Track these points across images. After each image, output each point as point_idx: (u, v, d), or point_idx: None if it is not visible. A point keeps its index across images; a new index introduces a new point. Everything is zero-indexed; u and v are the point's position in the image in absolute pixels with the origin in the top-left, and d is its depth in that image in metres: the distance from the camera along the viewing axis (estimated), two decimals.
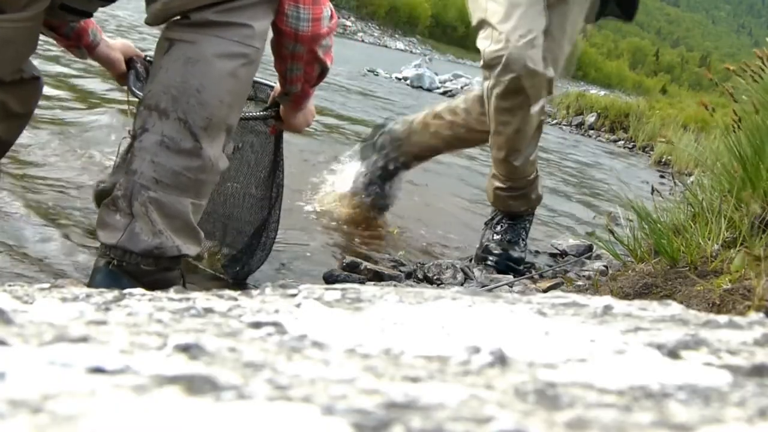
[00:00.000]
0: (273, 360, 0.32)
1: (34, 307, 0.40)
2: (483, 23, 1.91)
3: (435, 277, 1.95)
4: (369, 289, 0.48)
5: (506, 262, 2.07)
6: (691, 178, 3.08)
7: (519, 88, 1.84)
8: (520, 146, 1.99)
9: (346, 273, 1.84)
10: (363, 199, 2.44)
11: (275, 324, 0.38)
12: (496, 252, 2.09)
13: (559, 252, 2.48)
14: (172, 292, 0.47)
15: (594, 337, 0.38)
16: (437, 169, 3.97)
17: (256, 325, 0.38)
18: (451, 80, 12.69)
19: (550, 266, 2.19)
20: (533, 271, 2.07)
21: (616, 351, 0.35)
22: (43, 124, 2.57)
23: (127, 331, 0.36)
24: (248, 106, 1.69)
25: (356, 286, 0.49)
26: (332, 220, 2.32)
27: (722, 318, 0.43)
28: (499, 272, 2.04)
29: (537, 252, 2.37)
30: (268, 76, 1.67)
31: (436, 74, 12.44)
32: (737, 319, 0.43)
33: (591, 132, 9.74)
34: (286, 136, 1.67)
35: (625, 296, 1.40)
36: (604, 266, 2.03)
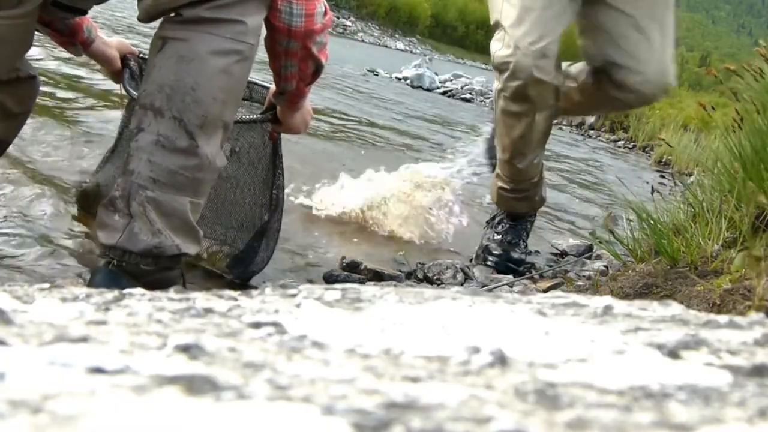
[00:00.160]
0: (273, 360, 0.32)
1: (34, 307, 0.40)
2: (497, 25, 1.89)
3: (435, 277, 1.95)
4: (369, 289, 0.48)
5: (506, 263, 2.07)
6: (691, 178, 3.08)
7: (525, 95, 1.83)
8: (525, 150, 1.98)
9: (346, 273, 1.84)
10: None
11: (275, 324, 0.38)
12: (496, 252, 2.09)
13: (559, 252, 2.47)
14: (172, 292, 0.47)
15: (594, 337, 0.38)
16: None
17: (256, 325, 0.38)
18: (451, 80, 12.69)
19: (550, 266, 2.18)
20: (533, 271, 2.07)
21: (616, 351, 0.35)
22: (52, 119, 2.57)
23: (127, 331, 0.36)
24: (243, 107, 1.69)
25: (356, 286, 0.49)
26: (332, 220, 2.32)
27: (722, 318, 0.43)
28: (498, 272, 2.04)
29: (537, 252, 2.37)
30: (265, 77, 1.67)
31: (436, 74, 12.44)
32: (737, 319, 0.43)
33: (591, 132, 9.74)
34: (297, 136, 1.67)
35: (626, 296, 1.40)
36: (604, 266, 2.03)
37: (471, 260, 2.17)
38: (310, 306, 0.43)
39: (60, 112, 2.89)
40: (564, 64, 2.02)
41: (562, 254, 2.45)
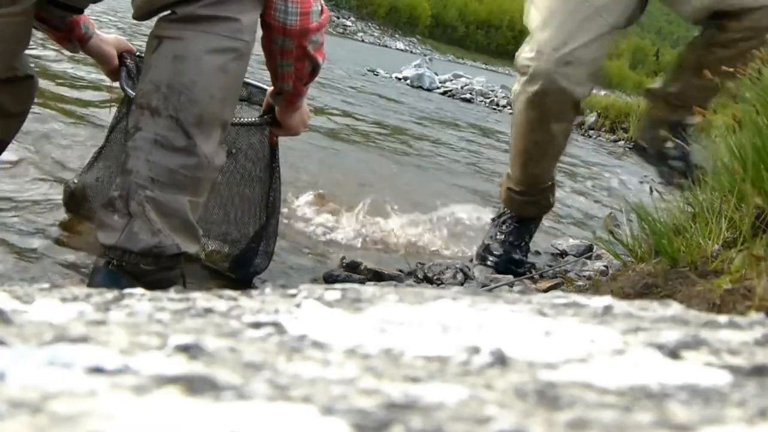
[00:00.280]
0: (273, 360, 0.32)
1: (34, 307, 0.40)
2: (528, 27, 1.84)
3: (435, 277, 1.94)
4: (369, 289, 0.48)
5: (506, 263, 2.06)
6: None
7: (542, 102, 1.78)
8: (538, 157, 1.95)
9: (346, 273, 1.84)
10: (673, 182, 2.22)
11: (275, 324, 0.38)
12: (496, 253, 2.08)
13: (559, 252, 2.48)
14: (172, 292, 0.47)
15: (594, 337, 0.38)
16: (439, 169, 3.97)
17: (256, 325, 0.38)
18: (451, 80, 12.69)
19: (550, 266, 2.18)
20: (533, 271, 2.07)
21: (616, 351, 0.35)
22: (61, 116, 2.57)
23: (127, 331, 0.36)
24: (242, 107, 1.69)
25: (356, 286, 0.49)
26: (333, 220, 2.32)
27: (723, 318, 0.43)
28: (498, 273, 2.04)
29: (537, 252, 2.37)
30: (265, 78, 1.67)
31: (436, 74, 12.44)
32: (738, 319, 0.43)
33: (591, 132, 9.74)
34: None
35: (626, 296, 1.40)
36: (604, 266, 2.03)
37: (471, 260, 2.16)
38: (310, 306, 0.43)
39: (63, 110, 2.89)
40: (657, 83, 1.89)
41: (562, 254, 2.45)
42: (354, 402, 0.26)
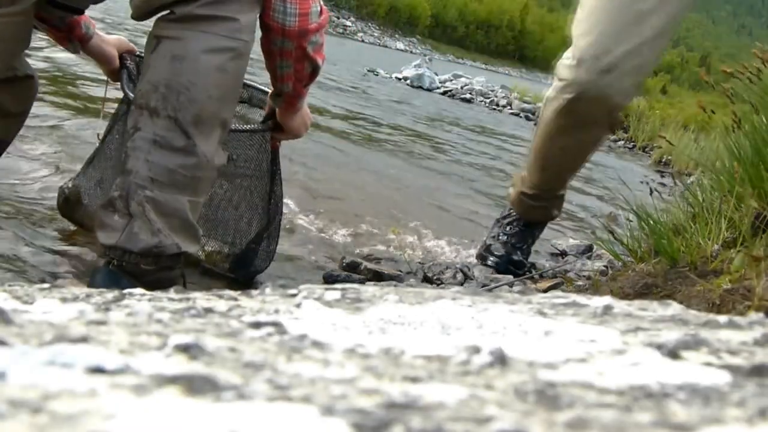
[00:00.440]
0: (273, 360, 0.32)
1: (34, 307, 0.40)
2: (571, 34, 1.77)
3: (435, 277, 1.95)
4: (369, 289, 0.48)
5: (507, 264, 2.05)
6: (691, 178, 3.08)
7: (575, 110, 1.73)
8: (561, 163, 1.92)
9: (346, 273, 1.84)
10: None
11: (275, 324, 0.38)
12: (497, 253, 2.08)
13: (559, 252, 2.48)
14: (172, 292, 0.47)
15: (594, 337, 0.38)
16: (439, 169, 3.97)
17: (256, 325, 0.38)
18: (451, 80, 12.70)
19: (550, 266, 2.19)
20: (533, 271, 2.07)
21: (616, 351, 0.35)
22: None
23: (127, 331, 0.36)
24: (242, 107, 1.69)
25: (356, 286, 0.49)
26: (332, 220, 2.32)
27: (722, 318, 0.43)
28: (498, 273, 2.04)
29: (537, 252, 2.37)
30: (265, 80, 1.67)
31: (436, 74, 12.44)
32: (737, 319, 0.43)
33: None
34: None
35: (625, 296, 1.40)
36: (604, 266, 2.03)
37: (472, 260, 2.16)
38: (310, 306, 0.43)
39: (63, 110, 2.89)
40: None
41: (562, 254, 2.46)
42: (354, 402, 0.26)
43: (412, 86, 11.24)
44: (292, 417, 0.25)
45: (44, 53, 3.89)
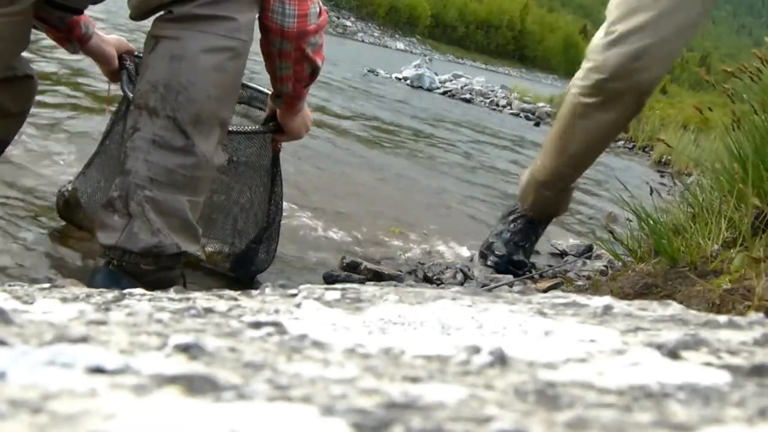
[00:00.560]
0: (273, 360, 0.32)
1: (34, 307, 0.40)
2: (606, 17, 1.79)
3: (435, 277, 1.95)
4: (369, 289, 0.48)
5: (507, 264, 2.05)
6: (691, 178, 3.08)
7: (603, 89, 1.74)
8: (580, 146, 1.90)
9: (346, 273, 1.84)
10: None
11: (275, 324, 0.38)
12: (498, 253, 2.07)
13: (559, 252, 2.48)
14: (172, 292, 0.47)
15: (594, 337, 0.38)
16: (439, 169, 3.97)
17: (256, 325, 0.38)
18: (451, 80, 12.70)
19: (550, 266, 2.18)
20: (533, 271, 2.07)
21: (616, 351, 0.35)
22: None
23: (127, 331, 0.36)
24: (242, 111, 1.69)
25: (356, 286, 0.49)
26: (333, 220, 2.33)
27: (722, 318, 0.43)
28: (498, 272, 2.03)
29: (537, 252, 2.37)
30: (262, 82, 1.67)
31: (436, 74, 12.45)
32: (737, 319, 0.43)
33: None
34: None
35: (625, 296, 1.40)
36: (604, 266, 2.03)
37: (471, 260, 2.16)
38: (310, 306, 0.43)
39: (69, 110, 2.89)
40: None
41: (562, 254, 2.46)
42: (354, 402, 0.26)
43: (412, 86, 11.24)
44: (292, 417, 0.25)
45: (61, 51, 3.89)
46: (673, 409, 0.27)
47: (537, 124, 9.76)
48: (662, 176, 6.03)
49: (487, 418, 0.25)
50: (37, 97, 1.59)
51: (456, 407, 0.26)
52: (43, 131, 2.49)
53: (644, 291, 1.39)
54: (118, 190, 1.20)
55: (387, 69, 12.61)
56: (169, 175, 1.19)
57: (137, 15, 1.25)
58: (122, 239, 1.20)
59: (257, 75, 2.96)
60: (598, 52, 1.75)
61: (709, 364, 0.34)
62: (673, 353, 0.35)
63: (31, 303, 0.42)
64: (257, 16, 1.28)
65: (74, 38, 1.56)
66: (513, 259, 2.05)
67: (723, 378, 0.31)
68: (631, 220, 1.71)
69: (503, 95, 12.18)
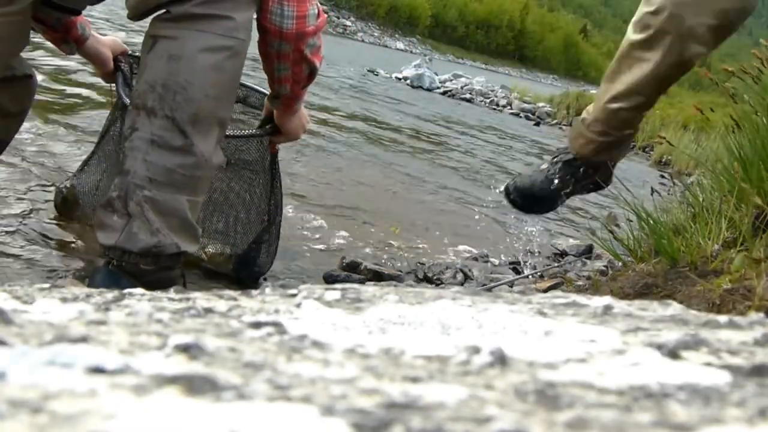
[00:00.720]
0: (273, 360, 0.32)
1: (34, 307, 0.40)
2: None
3: (435, 277, 1.95)
4: (369, 289, 0.48)
5: (525, 200, 1.90)
6: (691, 178, 3.08)
7: (648, 26, 1.71)
8: (635, 90, 1.82)
9: (346, 273, 1.84)
10: None
11: (275, 324, 0.38)
12: (521, 185, 1.91)
13: (559, 252, 2.48)
14: (172, 292, 0.47)
15: (594, 337, 0.38)
16: (439, 169, 3.97)
17: (256, 325, 0.38)
18: (451, 80, 12.71)
19: (550, 266, 2.18)
20: (533, 271, 2.07)
21: (616, 351, 0.35)
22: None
23: (127, 331, 0.36)
24: (237, 107, 1.69)
25: (356, 286, 0.49)
26: (333, 220, 2.33)
27: (722, 318, 0.43)
28: (515, 208, 1.91)
29: (537, 252, 2.37)
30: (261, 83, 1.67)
31: (436, 74, 12.45)
32: (737, 319, 0.43)
33: None
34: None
35: (625, 296, 1.40)
36: (604, 266, 2.03)
37: (471, 260, 2.16)
38: (310, 306, 0.43)
39: (68, 110, 2.89)
40: None
41: (562, 254, 2.46)
42: (354, 402, 0.26)
43: (412, 86, 11.24)
44: (292, 417, 0.25)
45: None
46: (674, 409, 0.27)
47: (537, 124, 9.76)
48: (662, 176, 6.04)
49: (487, 418, 0.25)
50: (36, 96, 1.59)
51: (456, 407, 0.26)
52: (43, 129, 2.49)
53: (644, 291, 1.39)
54: (117, 190, 1.20)
55: (387, 69, 12.61)
56: (168, 174, 1.19)
57: (135, 15, 1.25)
58: (122, 239, 1.20)
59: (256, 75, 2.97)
60: (649, 7, 1.72)
61: (709, 364, 0.34)
62: (673, 353, 0.35)
63: (31, 303, 0.42)
64: (255, 16, 1.28)
65: (71, 39, 1.56)
66: (536, 195, 1.90)
67: (723, 378, 0.31)
68: (631, 220, 1.71)
69: (503, 95, 12.19)
